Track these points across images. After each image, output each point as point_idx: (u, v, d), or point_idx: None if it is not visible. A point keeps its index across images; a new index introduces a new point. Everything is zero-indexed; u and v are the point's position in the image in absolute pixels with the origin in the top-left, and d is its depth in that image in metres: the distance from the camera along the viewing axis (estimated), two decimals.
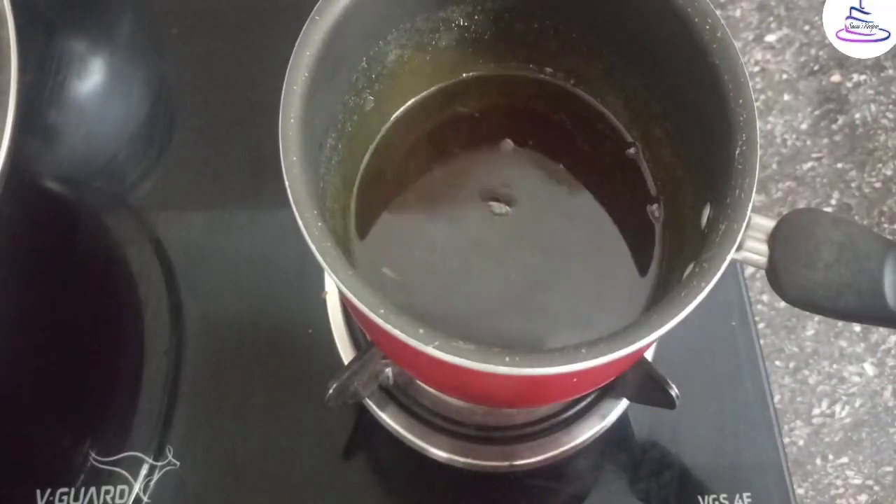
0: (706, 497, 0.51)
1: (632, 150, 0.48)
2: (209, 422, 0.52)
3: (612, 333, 0.33)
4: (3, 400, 0.53)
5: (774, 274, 0.37)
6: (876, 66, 1.06)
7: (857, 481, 0.87)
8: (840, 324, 0.92)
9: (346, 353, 0.53)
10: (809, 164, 1.01)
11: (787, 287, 0.36)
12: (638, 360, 0.47)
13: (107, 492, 0.50)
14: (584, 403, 0.52)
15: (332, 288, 0.55)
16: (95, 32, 0.67)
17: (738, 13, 1.09)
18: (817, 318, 0.92)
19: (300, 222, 0.34)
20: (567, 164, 0.47)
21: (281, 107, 0.37)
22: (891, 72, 1.06)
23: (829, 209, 0.98)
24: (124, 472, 0.50)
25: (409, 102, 0.50)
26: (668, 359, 0.55)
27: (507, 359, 0.32)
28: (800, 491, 0.85)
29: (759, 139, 0.36)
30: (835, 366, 0.91)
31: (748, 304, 0.57)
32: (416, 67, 0.49)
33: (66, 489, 0.50)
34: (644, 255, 0.46)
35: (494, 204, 0.45)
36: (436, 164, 0.48)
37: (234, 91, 0.64)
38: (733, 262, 0.36)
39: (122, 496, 0.50)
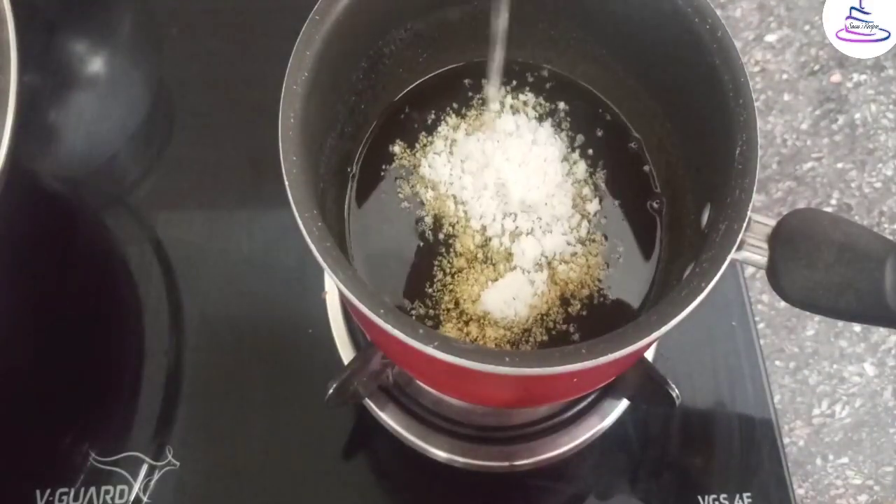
0: (706, 497, 0.51)
1: (633, 145, 0.48)
2: (209, 422, 0.52)
3: (612, 333, 0.33)
4: (3, 400, 0.53)
5: (775, 274, 0.37)
6: (876, 66, 1.06)
7: (858, 481, 0.87)
8: (840, 324, 0.92)
9: (346, 353, 0.53)
10: (809, 164, 1.01)
11: (787, 287, 0.36)
12: (638, 360, 0.47)
13: (106, 492, 0.50)
14: (583, 404, 0.52)
15: (332, 288, 0.55)
16: (95, 32, 0.67)
17: (738, 13, 1.09)
18: (817, 318, 0.92)
19: (300, 222, 0.34)
20: (568, 161, 0.47)
21: (281, 107, 0.37)
22: (891, 72, 1.06)
23: (829, 209, 0.98)
24: (124, 472, 0.50)
25: (407, 96, 0.50)
26: (669, 359, 0.55)
27: (507, 359, 0.32)
28: (800, 491, 0.85)
29: (759, 139, 0.36)
30: (835, 366, 0.91)
31: (748, 304, 0.57)
32: (417, 65, 0.49)
33: (65, 489, 0.50)
34: (645, 254, 0.46)
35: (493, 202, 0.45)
36: (433, 153, 0.47)
37: (234, 91, 0.64)
38: (733, 262, 0.36)
39: (121, 496, 0.50)
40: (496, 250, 0.44)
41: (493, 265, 0.44)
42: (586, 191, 0.47)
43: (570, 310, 0.43)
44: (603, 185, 0.47)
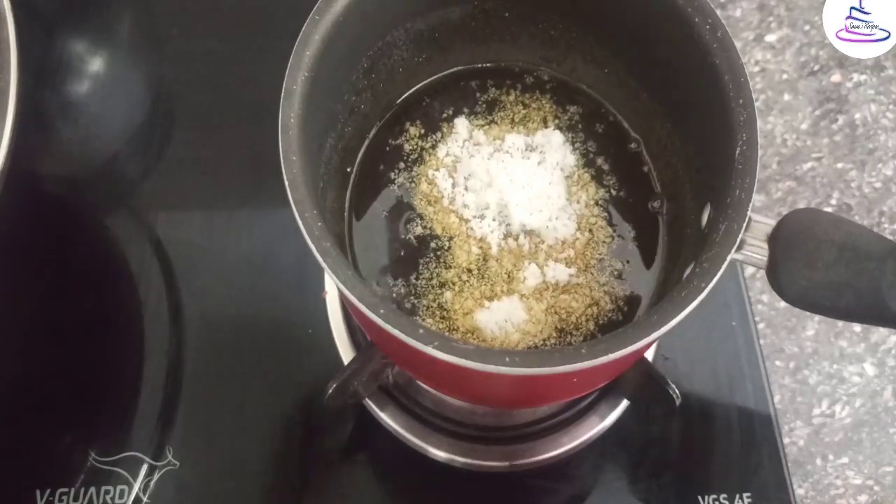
0: (706, 497, 0.51)
1: (633, 146, 0.48)
2: (209, 422, 0.52)
3: (612, 334, 0.33)
4: (4, 400, 0.53)
5: (774, 274, 0.37)
6: (876, 66, 1.06)
7: (858, 481, 0.87)
8: (840, 324, 0.92)
9: (346, 353, 0.53)
10: (809, 164, 1.01)
11: (787, 287, 0.36)
12: (638, 360, 0.47)
13: (106, 492, 0.50)
14: (583, 404, 0.52)
15: (332, 288, 0.55)
16: (95, 32, 0.67)
17: (738, 13, 1.09)
18: (817, 318, 0.92)
19: (300, 222, 0.34)
20: (576, 185, 0.47)
21: (281, 107, 0.37)
22: (891, 72, 1.06)
23: (829, 209, 0.98)
24: (124, 472, 0.50)
25: (410, 97, 0.50)
26: (669, 359, 0.55)
27: (507, 359, 0.32)
28: (800, 491, 0.85)
29: (759, 139, 0.36)
30: (835, 366, 0.91)
31: (748, 304, 0.57)
32: (418, 66, 0.49)
33: (65, 489, 0.50)
34: (648, 254, 0.46)
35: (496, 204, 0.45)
36: (435, 161, 0.47)
37: (234, 91, 0.64)
38: (733, 262, 0.36)
39: (121, 496, 0.50)
40: (495, 271, 0.44)
41: (491, 285, 0.43)
42: (592, 216, 0.46)
43: (570, 340, 0.43)
44: (607, 201, 0.47)
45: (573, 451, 0.51)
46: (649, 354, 0.53)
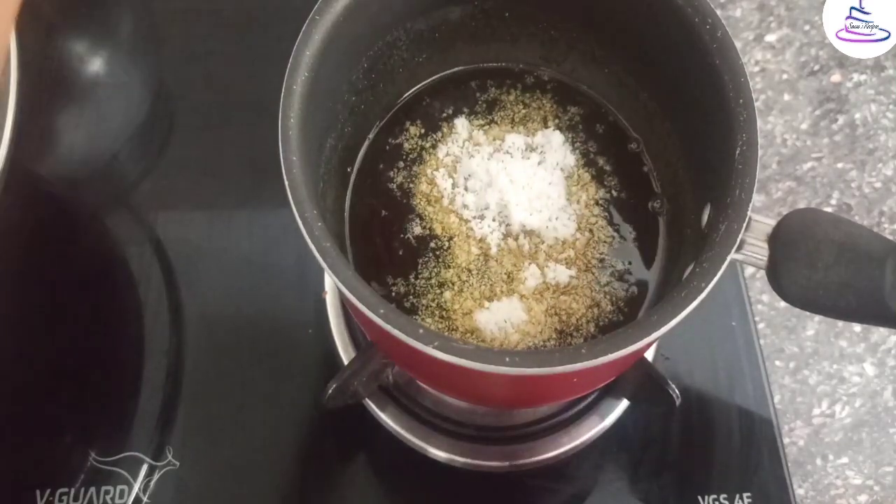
0: (706, 497, 0.51)
1: (633, 146, 0.48)
2: (209, 422, 0.52)
3: (612, 334, 0.33)
4: (4, 400, 0.53)
5: (774, 274, 0.37)
6: (876, 66, 1.06)
7: (858, 481, 0.87)
8: (840, 324, 0.92)
9: (346, 353, 0.53)
10: (809, 164, 1.01)
11: (787, 287, 0.36)
12: (638, 360, 0.47)
13: (106, 492, 0.50)
14: (583, 404, 0.52)
15: (332, 288, 0.55)
16: (95, 32, 0.67)
17: (738, 13, 1.09)
18: (817, 318, 0.92)
19: (300, 222, 0.34)
20: (576, 184, 0.47)
21: (281, 107, 0.37)
22: (891, 72, 1.06)
23: (829, 209, 0.98)
24: (124, 473, 0.50)
25: (410, 97, 0.50)
26: (669, 359, 0.55)
27: (507, 359, 0.32)
28: (800, 491, 0.85)
29: (759, 139, 0.36)
30: (835, 366, 0.91)
31: (748, 304, 0.57)
32: (418, 66, 0.49)
33: (65, 489, 0.50)
34: (648, 254, 0.46)
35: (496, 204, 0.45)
36: (435, 161, 0.48)
37: (234, 91, 0.64)
38: (733, 262, 0.36)
39: (121, 496, 0.50)
40: (495, 271, 0.44)
41: (491, 285, 0.43)
42: (592, 216, 0.46)
43: (570, 341, 0.43)
44: (607, 201, 0.47)
45: (573, 451, 0.51)
46: (649, 354, 0.53)
